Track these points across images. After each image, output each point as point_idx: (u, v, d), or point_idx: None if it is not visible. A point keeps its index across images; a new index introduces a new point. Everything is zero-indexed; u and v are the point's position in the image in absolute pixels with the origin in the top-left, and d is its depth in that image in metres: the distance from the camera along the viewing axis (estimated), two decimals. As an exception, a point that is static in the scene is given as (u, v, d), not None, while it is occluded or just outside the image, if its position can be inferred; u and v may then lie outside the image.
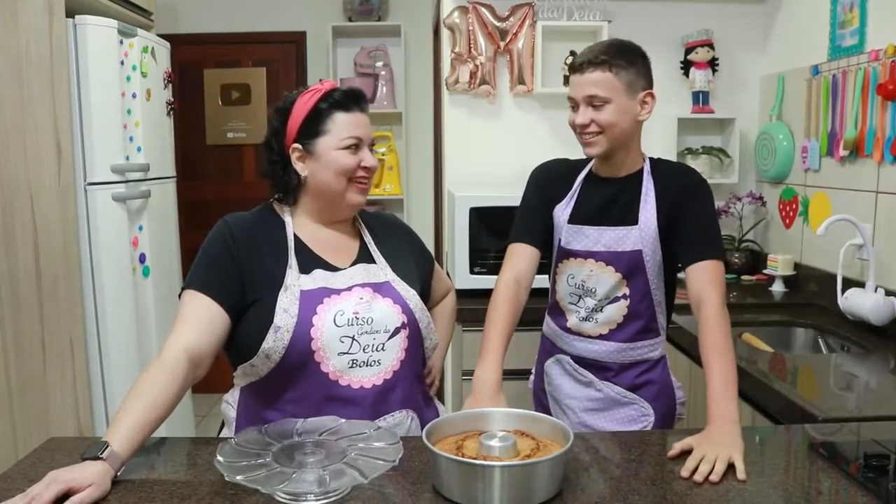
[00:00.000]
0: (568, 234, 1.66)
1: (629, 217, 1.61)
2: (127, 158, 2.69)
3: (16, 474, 1.21)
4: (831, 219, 2.23)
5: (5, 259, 2.51)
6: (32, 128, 2.47)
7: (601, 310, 1.64)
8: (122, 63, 2.65)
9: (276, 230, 1.44)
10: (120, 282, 2.65)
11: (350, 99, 1.42)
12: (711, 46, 2.99)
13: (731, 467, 1.20)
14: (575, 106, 1.60)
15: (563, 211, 1.68)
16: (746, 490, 1.14)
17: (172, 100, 3.13)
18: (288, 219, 1.46)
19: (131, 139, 2.72)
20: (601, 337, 1.65)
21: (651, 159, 1.66)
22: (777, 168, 2.85)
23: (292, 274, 1.38)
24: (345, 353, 1.36)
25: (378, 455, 1.16)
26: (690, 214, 1.57)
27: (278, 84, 4.29)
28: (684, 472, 1.19)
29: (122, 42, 2.65)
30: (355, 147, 1.41)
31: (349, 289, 1.40)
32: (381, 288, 1.43)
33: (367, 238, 1.51)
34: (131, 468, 1.20)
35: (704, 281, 1.51)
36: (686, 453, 1.25)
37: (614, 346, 1.65)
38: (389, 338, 1.40)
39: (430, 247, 4.35)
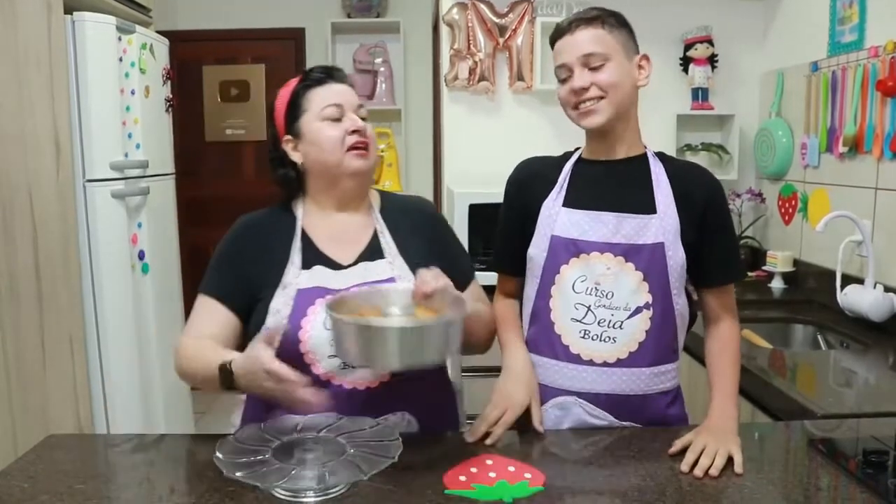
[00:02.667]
0: (580, 224, 1.38)
1: (641, 203, 1.37)
2: (126, 155, 2.69)
3: (15, 471, 1.20)
4: (830, 215, 2.23)
5: (4, 256, 2.51)
6: (31, 125, 2.47)
7: (620, 325, 1.36)
8: (120, 60, 2.64)
9: (287, 225, 1.43)
10: (119, 279, 2.65)
11: (323, 73, 1.43)
12: (711, 43, 2.98)
13: (730, 462, 1.20)
14: (567, 75, 1.39)
15: (553, 202, 1.43)
16: (745, 486, 1.14)
17: (171, 96, 3.13)
18: (299, 213, 1.44)
19: (130, 136, 2.72)
20: (619, 363, 1.36)
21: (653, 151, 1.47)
22: (776, 164, 2.85)
23: (292, 271, 1.37)
24: (335, 356, 1.31)
25: (377, 451, 1.16)
26: (715, 229, 1.41)
27: (277, 81, 4.27)
28: (684, 467, 1.20)
29: (120, 39, 2.65)
30: (337, 116, 1.39)
31: (347, 290, 1.35)
32: None
33: (381, 226, 1.45)
34: (131, 466, 1.20)
35: (725, 301, 1.46)
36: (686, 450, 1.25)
37: (636, 372, 1.36)
38: None
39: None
